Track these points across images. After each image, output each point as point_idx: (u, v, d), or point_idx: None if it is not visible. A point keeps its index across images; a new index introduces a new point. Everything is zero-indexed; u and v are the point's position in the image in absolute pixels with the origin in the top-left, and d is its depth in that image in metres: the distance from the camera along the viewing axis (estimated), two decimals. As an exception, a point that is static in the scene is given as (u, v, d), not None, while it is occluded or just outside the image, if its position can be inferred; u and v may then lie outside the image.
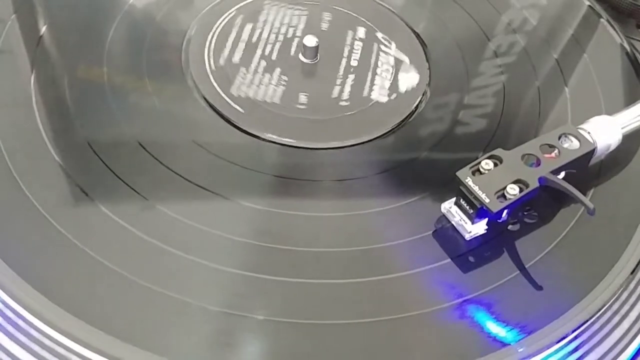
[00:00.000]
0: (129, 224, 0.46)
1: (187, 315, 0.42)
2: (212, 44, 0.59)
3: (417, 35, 0.62)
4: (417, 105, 0.56)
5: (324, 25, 0.62)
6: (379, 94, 0.57)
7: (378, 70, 0.59)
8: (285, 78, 0.57)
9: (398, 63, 0.60)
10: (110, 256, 0.44)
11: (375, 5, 0.64)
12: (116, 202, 0.47)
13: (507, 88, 0.59)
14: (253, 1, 0.62)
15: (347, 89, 0.57)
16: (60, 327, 0.40)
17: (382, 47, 0.61)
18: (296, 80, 0.57)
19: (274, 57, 0.58)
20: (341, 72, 0.58)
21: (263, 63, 0.57)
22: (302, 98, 0.56)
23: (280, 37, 0.60)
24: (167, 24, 0.60)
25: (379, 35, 0.62)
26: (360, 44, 0.61)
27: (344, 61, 0.59)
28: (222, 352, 0.41)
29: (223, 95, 0.55)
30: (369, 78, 0.58)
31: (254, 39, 0.59)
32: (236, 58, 0.57)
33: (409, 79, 0.59)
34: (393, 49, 0.61)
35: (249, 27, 0.60)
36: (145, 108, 0.54)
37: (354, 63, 0.59)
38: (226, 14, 0.61)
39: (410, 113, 0.56)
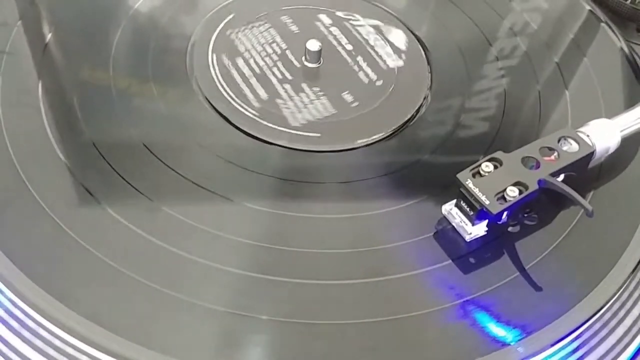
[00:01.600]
0: (135, 225, 0.46)
1: (192, 316, 0.42)
2: (217, 48, 0.59)
3: (419, 39, 0.63)
4: (419, 109, 0.57)
5: (294, 28, 0.62)
6: (393, 61, 0.59)
7: (371, 43, 0.61)
8: (318, 88, 0.57)
9: (377, 29, 0.62)
10: (115, 257, 0.44)
11: (377, 10, 0.65)
12: (122, 203, 0.47)
13: (508, 91, 0.59)
14: (223, 35, 0.61)
15: (368, 70, 0.58)
16: (66, 326, 0.41)
17: (353, 22, 0.62)
18: (330, 84, 0.58)
19: (289, 76, 0.58)
20: (350, 60, 0.59)
21: (287, 86, 0.57)
22: (348, 97, 0.57)
23: (274, 57, 0.60)
24: (172, 28, 0.61)
25: (340, 14, 0.63)
26: (336, 28, 0.62)
27: (340, 49, 0.60)
28: (227, 352, 0.42)
29: (227, 97, 0.55)
30: (372, 53, 0.60)
31: (255, 68, 0.59)
32: (263, 94, 0.57)
33: (399, 37, 0.61)
34: (361, 20, 0.63)
35: (239, 62, 0.59)
36: (151, 111, 0.54)
37: (349, 47, 0.60)
38: (229, 18, 0.62)
39: (411, 116, 0.56)
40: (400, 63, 0.59)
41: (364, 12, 0.64)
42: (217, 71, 0.57)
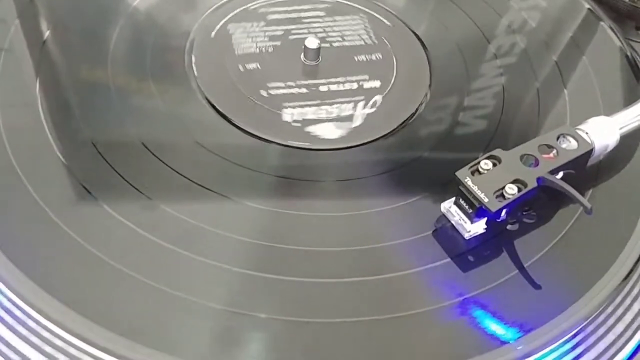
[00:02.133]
0: (133, 223, 0.46)
1: (191, 314, 0.42)
2: (216, 46, 0.59)
3: (418, 38, 0.63)
4: (418, 107, 0.57)
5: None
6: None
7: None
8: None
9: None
10: (114, 255, 0.44)
11: (376, 7, 0.65)
12: (120, 202, 0.47)
13: (507, 89, 0.59)
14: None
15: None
16: (63, 324, 0.41)
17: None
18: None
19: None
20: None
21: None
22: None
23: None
24: (171, 27, 0.61)
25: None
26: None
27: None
28: (225, 350, 0.41)
29: (226, 95, 0.55)
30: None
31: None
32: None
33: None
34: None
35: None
36: (149, 109, 0.54)
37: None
38: (228, 16, 0.62)
39: (410, 115, 0.56)
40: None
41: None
42: (217, 68, 0.57)
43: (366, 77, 0.59)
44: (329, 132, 0.54)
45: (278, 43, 0.60)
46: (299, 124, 0.54)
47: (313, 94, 0.57)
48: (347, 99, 0.57)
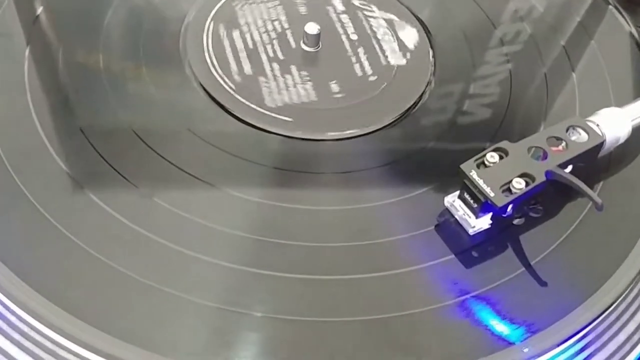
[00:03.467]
0: (122, 215, 0.45)
1: (183, 311, 0.41)
2: (211, 32, 0.58)
3: (422, 23, 0.61)
4: (422, 95, 0.55)
5: (302, 10, 0.61)
6: (395, 58, 0.57)
7: (379, 36, 0.59)
8: (306, 73, 0.56)
9: (390, 23, 0.60)
10: (102, 249, 0.43)
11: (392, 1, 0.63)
12: (109, 192, 0.46)
13: (514, 77, 0.58)
14: (227, 5, 0.60)
15: (366, 63, 0.57)
16: (52, 323, 0.40)
17: (366, 12, 0.61)
18: (318, 71, 0.56)
19: (280, 55, 0.57)
20: (350, 50, 0.58)
21: (276, 66, 0.56)
22: (334, 87, 0.55)
23: (272, 34, 0.58)
24: (166, 10, 0.60)
25: (356, 2, 0.61)
26: (346, 16, 0.60)
27: (344, 38, 0.58)
28: (218, 351, 0.40)
29: (222, 83, 0.54)
30: (376, 47, 0.58)
31: (249, 44, 0.57)
32: (247, 69, 0.55)
33: (410, 35, 0.59)
34: (377, 12, 0.61)
35: (236, 34, 0.58)
36: (142, 96, 0.53)
37: (354, 37, 0.59)
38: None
39: (414, 103, 0.55)
40: (402, 62, 0.58)
41: (379, 4, 0.62)
42: (212, 55, 0.56)
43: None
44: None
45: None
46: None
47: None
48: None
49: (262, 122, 0.52)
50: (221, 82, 0.54)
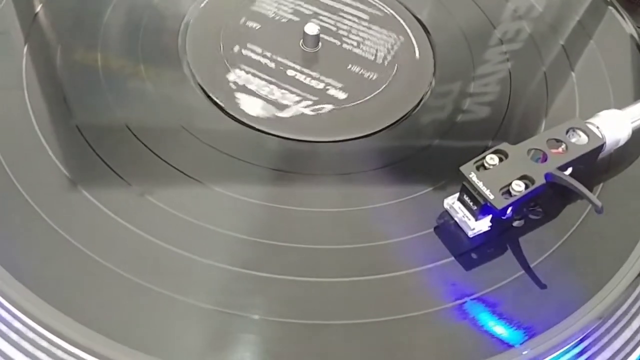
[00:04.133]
0: (118, 215, 0.45)
1: (180, 314, 0.41)
2: (209, 31, 0.58)
3: (421, 23, 0.61)
4: (422, 96, 0.55)
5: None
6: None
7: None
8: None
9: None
10: (97, 248, 0.43)
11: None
12: (103, 191, 0.46)
13: (514, 76, 0.58)
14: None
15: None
16: (48, 324, 0.40)
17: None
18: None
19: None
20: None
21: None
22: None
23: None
24: (165, 8, 0.59)
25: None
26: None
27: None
28: (215, 354, 0.40)
29: (220, 82, 0.54)
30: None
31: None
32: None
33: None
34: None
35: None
36: (139, 94, 0.53)
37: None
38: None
39: (415, 104, 0.54)
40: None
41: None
42: (210, 54, 0.56)
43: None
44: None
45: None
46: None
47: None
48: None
49: (260, 122, 0.51)
50: (219, 81, 0.54)
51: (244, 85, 0.54)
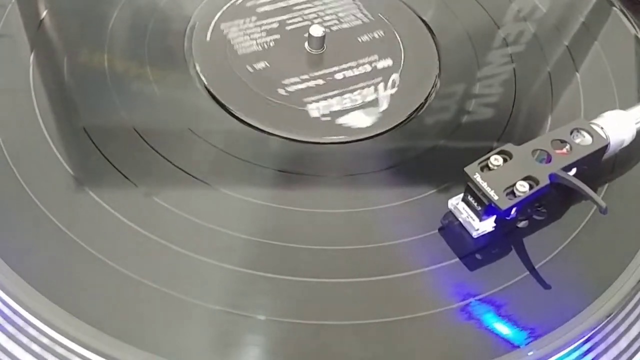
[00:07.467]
0: (124, 215, 0.45)
1: (186, 314, 0.41)
2: (216, 33, 0.58)
3: (426, 24, 0.61)
4: (427, 97, 0.55)
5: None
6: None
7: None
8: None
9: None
10: (104, 249, 0.43)
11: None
12: (110, 192, 0.46)
13: (518, 77, 0.58)
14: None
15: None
16: (53, 323, 0.40)
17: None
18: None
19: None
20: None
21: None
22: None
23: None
24: (171, 10, 0.59)
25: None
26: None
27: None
28: (221, 352, 0.40)
29: (226, 84, 0.54)
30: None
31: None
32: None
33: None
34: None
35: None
36: (145, 96, 0.53)
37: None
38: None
39: (420, 105, 0.55)
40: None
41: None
42: (216, 56, 0.56)
43: (376, 57, 0.57)
44: (332, 123, 0.52)
45: (277, 36, 0.58)
46: (301, 115, 0.52)
47: (314, 83, 0.55)
48: (365, 83, 0.55)
49: (266, 124, 0.52)
50: (225, 83, 0.54)
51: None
